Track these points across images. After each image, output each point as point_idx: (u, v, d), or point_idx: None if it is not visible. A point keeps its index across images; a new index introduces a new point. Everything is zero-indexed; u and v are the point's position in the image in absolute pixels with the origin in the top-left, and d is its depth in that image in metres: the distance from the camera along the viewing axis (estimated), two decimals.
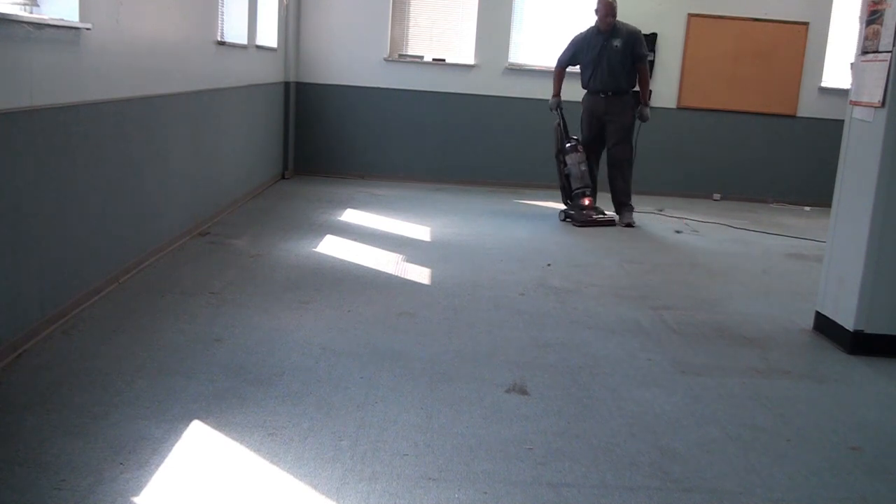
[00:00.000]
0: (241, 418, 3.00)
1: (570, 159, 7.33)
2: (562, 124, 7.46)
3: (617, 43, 7.22)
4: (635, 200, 7.55)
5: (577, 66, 7.54)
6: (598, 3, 7.22)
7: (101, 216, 4.30)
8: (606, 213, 7.40)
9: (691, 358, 4.01)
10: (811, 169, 9.27)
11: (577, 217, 7.27)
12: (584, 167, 7.32)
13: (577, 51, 7.43)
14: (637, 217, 7.48)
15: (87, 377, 3.27)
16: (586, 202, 7.31)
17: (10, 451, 2.65)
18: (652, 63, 8.75)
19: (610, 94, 7.31)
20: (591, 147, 7.49)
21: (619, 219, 7.40)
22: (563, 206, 7.53)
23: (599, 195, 7.62)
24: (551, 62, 9.16)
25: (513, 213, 7.79)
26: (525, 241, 6.50)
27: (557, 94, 7.53)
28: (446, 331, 4.16)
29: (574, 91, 9.05)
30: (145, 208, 4.93)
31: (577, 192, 7.34)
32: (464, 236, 6.53)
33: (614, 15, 7.21)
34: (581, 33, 7.49)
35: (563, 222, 7.36)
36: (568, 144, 7.38)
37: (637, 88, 7.41)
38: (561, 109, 7.48)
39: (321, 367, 3.56)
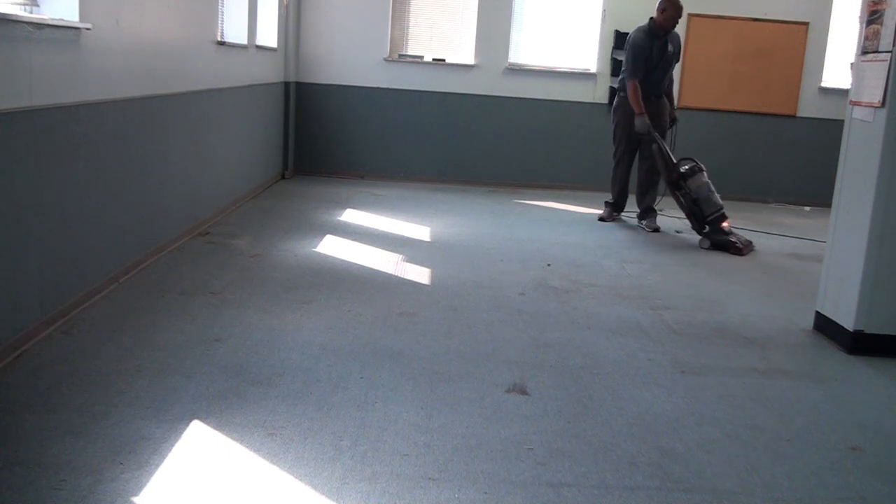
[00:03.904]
0: (241, 418, 3.01)
1: (695, 183, 6.67)
2: (662, 147, 6.88)
3: (671, 47, 7.08)
4: (636, 200, 7.53)
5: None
6: (669, 4, 6.89)
7: (101, 216, 4.30)
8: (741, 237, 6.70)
9: (691, 358, 4.01)
10: (811, 169, 9.28)
11: (729, 245, 6.47)
12: (712, 187, 6.68)
13: (647, 59, 6.99)
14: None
15: (87, 377, 3.27)
16: (726, 225, 6.59)
17: (10, 451, 2.65)
18: None
19: (653, 97, 7.14)
20: (630, 152, 7.33)
21: (646, 224, 7.23)
22: (698, 236, 6.75)
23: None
24: (551, 62, 9.27)
25: (513, 213, 7.78)
26: (525, 241, 6.50)
27: (644, 111, 6.93)
28: (446, 331, 4.16)
29: (571, 91, 9.16)
30: (145, 208, 4.93)
31: (714, 217, 6.61)
32: (464, 236, 6.53)
33: (680, 17, 7.02)
34: (639, 39, 7.03)
35: (707, 249, 6.57)
36: (685, 167, 6.76)
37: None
38: (653, 130, 6.92)
39: (321, 367, 3.56)
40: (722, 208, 6.65)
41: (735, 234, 6.64)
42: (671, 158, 6.86)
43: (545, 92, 9.15)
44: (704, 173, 6.73)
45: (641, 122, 6.95)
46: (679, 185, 6.78)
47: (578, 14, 9.24)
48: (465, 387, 3.44)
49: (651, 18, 7.06)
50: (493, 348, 3.96)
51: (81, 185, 4.04)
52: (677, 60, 7.28)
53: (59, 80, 3.76)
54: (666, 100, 7.32)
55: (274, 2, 8.18)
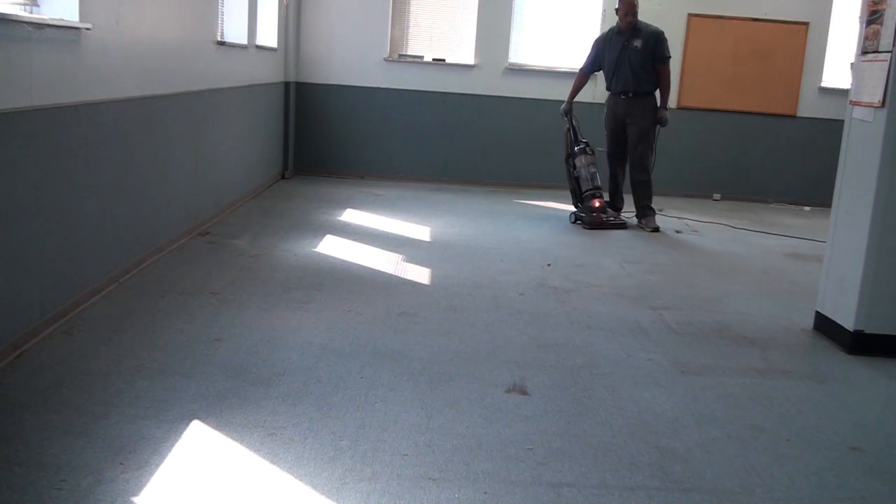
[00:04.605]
0: (241, 418, 3.01)
1: (580, 161, 7.29)
2: (571, 129, 7.42)
3: (637, 43, 7.10)
4: (633, 200, 7.51)
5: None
6: (619, 2, 7.13)
7: (101, 216, 4.30)
8: (617, 215, 7.42)
9: (691, 358, 4.01)
10: (811, 169, 9.27)
11: (588, 220, 7.19)
12: (593, 169, 7.26)
13: (599, 53, 7.36)
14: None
15: (87, 377, 3.27)
16: (596, 204, 7.22)
17: (10, 451, 2.65)
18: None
19: (631, 95, 7.20)
20: (617, 150, 7.41)
21: (644, 224, 7.27)
22: (572, 209, 7.44)
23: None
24: (551, 62, 9.28)
25: (513, 213, 7.79)
26: (525, 241, 6.50)
27: (570, 100, 7.50)
28: (446, 331, 4.16)
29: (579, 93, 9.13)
30: (145, 208, 4.93)
31: (586, 194, 7.28)
32: (464, 236, 6.53)
33: (635, 14, 7.11)
34: (602, 35, 7.50)
35: (574, 224, 7.28)
36: (577, 147, 7.34)
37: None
38: (571, 115, 7.44)
39: (321, 367, 3.56)
40: (598, 189, 7.28)
41: (602, 215, 7.21)
42: (573, 142, 7.40)
43: (545, 92, 9.13)
44: (589, 156, 7.29)
45: (563, 106, 7.51)
46: (569, 163, 7.42)
47: (578, 14, 9.24)
48: (465, 387, 3.44)
49: None
50: (493, 348, 3.96)
51: (81, 184, 4.04)
52: (661, 60, 7.14)
53: (59, 80, 3.76)
54: (655, 99, 7.25)
55: (274, 2, 8.18)
